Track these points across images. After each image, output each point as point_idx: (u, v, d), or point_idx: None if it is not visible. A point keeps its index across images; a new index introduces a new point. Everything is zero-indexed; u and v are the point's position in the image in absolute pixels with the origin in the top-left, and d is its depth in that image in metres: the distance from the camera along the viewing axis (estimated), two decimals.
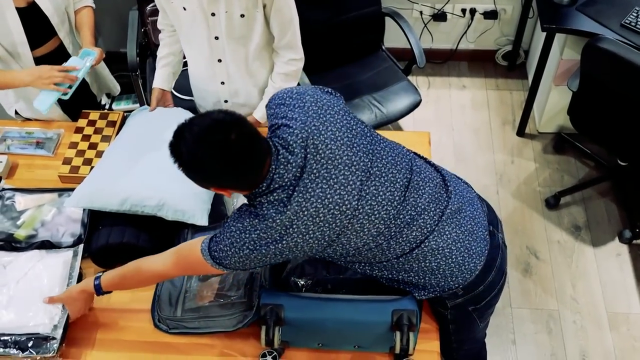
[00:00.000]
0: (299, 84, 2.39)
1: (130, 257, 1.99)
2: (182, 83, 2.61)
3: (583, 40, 2.69)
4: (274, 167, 1.54)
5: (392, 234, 1.64)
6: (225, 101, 2.40)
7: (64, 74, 2.22)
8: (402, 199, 1.64)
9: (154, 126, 2.25)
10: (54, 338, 1.84)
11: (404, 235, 1.65)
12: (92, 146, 2.36)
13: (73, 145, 2.37)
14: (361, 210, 1.58)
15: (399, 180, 1.65)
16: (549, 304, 2.93)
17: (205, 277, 1.96)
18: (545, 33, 3.05)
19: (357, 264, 1.73)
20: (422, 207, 1.67)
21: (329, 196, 1.54)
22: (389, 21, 3.27)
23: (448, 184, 1.77)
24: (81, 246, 2.01)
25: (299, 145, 1.55)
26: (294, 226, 1.53)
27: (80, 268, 1.99)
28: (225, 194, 1.61)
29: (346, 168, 1.57)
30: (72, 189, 2.11)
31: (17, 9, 2.25)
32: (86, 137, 2.39)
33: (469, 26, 3.84)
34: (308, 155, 1.55)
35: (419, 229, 1.67)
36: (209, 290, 1.92)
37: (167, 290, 1.95)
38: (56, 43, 2.44)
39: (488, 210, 1.88)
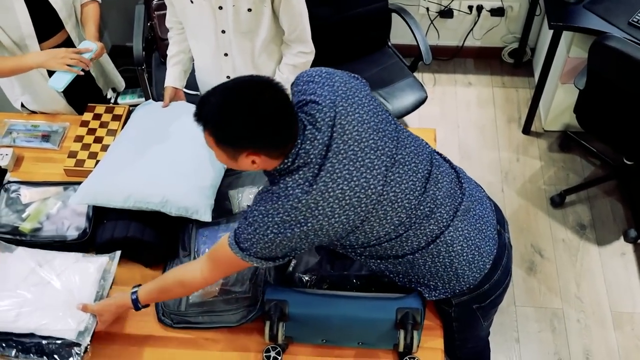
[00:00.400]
0: None
1: (134, 251, 2.00)
2: (188, 77, 2.60)
3: (590, 38, 2.68)
4: (299, 141, 1.51)
5: (412, 224, 1.63)
6: None
7: (78, 57, 2.22)
8: (422, 190, 1.64)
9: (159, 120, 2.25)
10: (78, 344, 1.78)
11: (423, 227, 1.65)
12: (98, 140, 2.36)
13: (78, 138, 2.37)
14: (385, 197, 1.57)
15: (420, 170, 1.64)
16: (553, 302, 2.93)
17: None
18: (552, 31, 3.04)
19: (373, 259, 1.71)
20: (440, 200, 1.67)
21: (355, 178, 1.52)
22: (395, 17, 3.26)
23: (462, 181, 1.77)
24: (118, 253, 1.97)
25: (327, 123, 1.53)
26: (320, 208, 1.50)
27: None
28: (254, 164, 1.52)
29: (372, 152, 1.56)
30: (77, 183, 2.11)
31: (26, 1, 2.25)
32: (92, 131, 2.40)
33: (475, 23, 3.82)
34: (334, 134, 1.53)
35: (436, 223, 1.66)
36: (214, 285, 1.92)
37: None
38: (63, 36, 2.45)
39: (495, 210, 1.88)
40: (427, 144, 1.76)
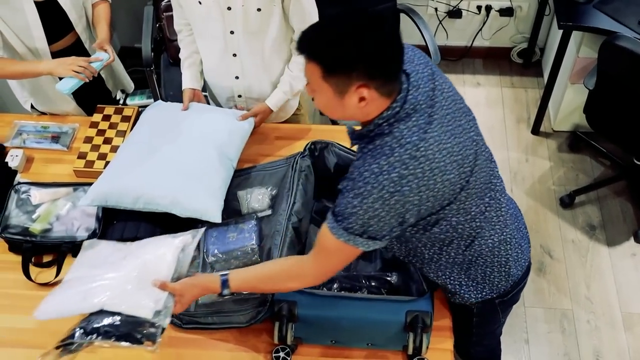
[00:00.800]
0: None
1: None
2: None
3: (600, 38, 2.67)
4: (406, 86, 1.44)
5: (486, 217, 1.63)
6: (239, 96, 2.40)
7: (86, 64, 2.23)
8: (491, 185, 1.64)
9: (168, 121, 2.26)
10: (153, 325, 1.61)
11: (497, 218, 1.66)
12: (107, 141, 2.37)
13: (88, 139, 2.38)
14: (473, 178, 1.53)
15: (491, 167, 1.66)
16: (562, 303, 2.92)
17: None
18: (561, 31, 3.03)
19: (432, 260, 1.70)
20: (498, 196, 1.68)
21: (457, 136, 1.48)
22: (403, 17, 3.25)
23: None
24: (201, 230, 1.85)
25: (426, 77, 1.48)
26: (436, 159, 1.42)
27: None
28: (361, 103, 1.41)
29: (464, 117, 1.54)
30: (87, 184, 2.12)
31: (36, 3, 2.26)
32: (101, 132, 2.40)
33: (484, 23, 3.82)
34: (436, 89, 1.49)
35: (497, 217, 1.67)
36: None
37: None
38: (73, 38, 2.46)
39: None
40: None
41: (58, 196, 2.15)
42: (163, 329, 1.62)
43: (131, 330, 1.61)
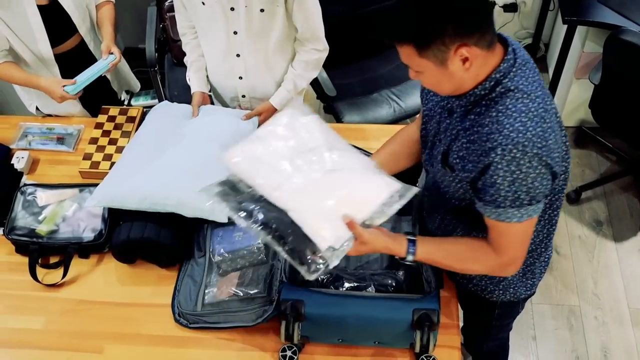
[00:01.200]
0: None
1: (150, 252, 2.01)
2: None
3: (605, 33, 2.66)
4: (509, 41, 1.44)
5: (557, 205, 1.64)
6: (243, 96, 2.40)
7: (68, 97, 2.29)
8: None
9: (174, 122, 2.26)
10: (323, 260, 1.47)
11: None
12: (112, 142, 2.38)
13: (93, 140, 2.39)
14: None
15: None
16: (570, 299, 2.91)
17: (225, 272, 1.96)
18: (566, 25, 3.01)
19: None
20: None
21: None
22: None
23: None
24: (414, 189, 1.61)
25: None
26: (557, 115, 1.45)
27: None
28: (466, 64, 1.36)
29: None
30: (93, 185, 2.12)
31: (38, 6, 2.26)
32: (106, 133, 2.41)
33: None
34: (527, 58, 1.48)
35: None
36: (229, 285, 1.92)
37: (187, 285, 1.96)
38: (77, 40, 2.45)
39: None
40: None
41: (64, 197, 2.16)
42: (327, 267, 1.48)
43: (303, 248, 1.47)
